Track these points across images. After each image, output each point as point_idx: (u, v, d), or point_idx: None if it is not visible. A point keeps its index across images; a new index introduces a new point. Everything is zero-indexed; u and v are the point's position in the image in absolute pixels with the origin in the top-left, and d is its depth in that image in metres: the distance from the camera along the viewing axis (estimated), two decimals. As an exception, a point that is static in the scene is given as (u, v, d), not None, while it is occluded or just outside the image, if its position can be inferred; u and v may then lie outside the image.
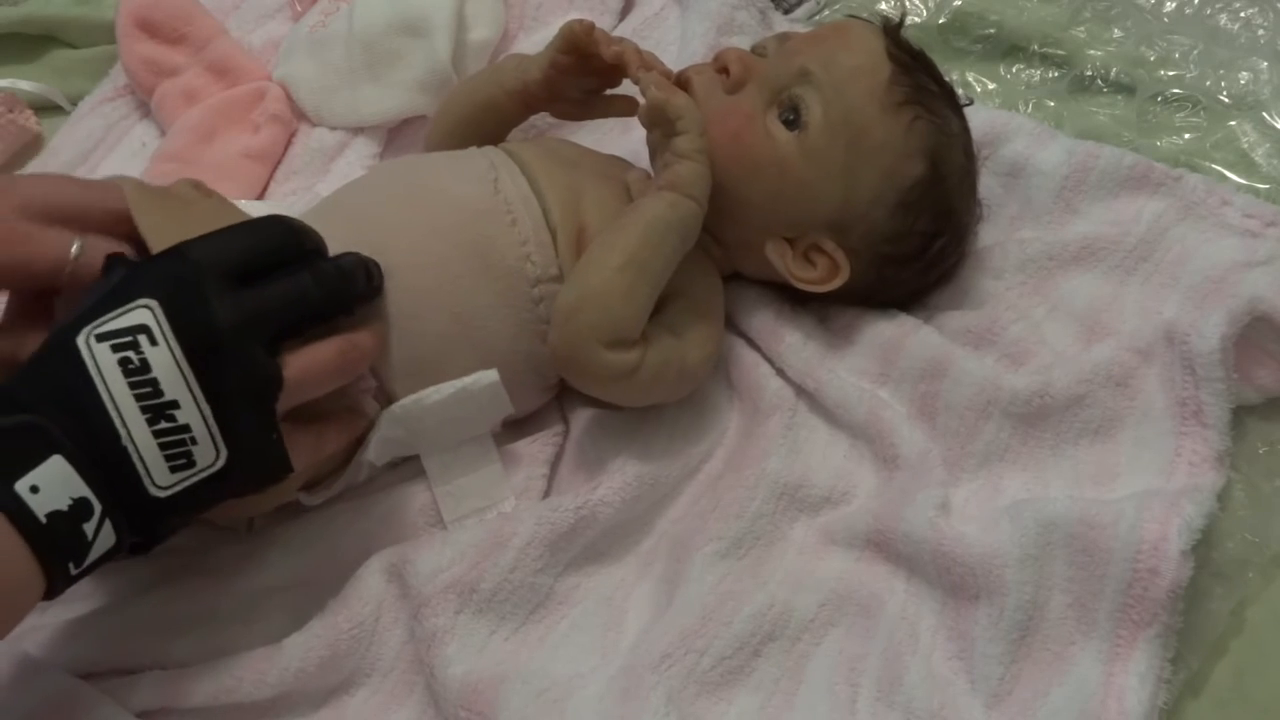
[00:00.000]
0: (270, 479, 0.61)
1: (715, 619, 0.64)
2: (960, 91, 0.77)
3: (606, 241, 0.68)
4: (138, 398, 0.55)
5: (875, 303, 0.76)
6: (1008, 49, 0.91)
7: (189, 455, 0.56)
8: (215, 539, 0.71)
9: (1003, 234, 0.80)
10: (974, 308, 0.77)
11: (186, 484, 0.57)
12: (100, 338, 0.55)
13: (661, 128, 0.69)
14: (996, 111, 0.84)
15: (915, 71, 0.72)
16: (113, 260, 0.60)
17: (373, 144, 0.92)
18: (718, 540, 0.67)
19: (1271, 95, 0.85)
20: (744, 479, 0.70)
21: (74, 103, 1.01)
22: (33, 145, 0.99)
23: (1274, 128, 0.84)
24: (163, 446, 0.56)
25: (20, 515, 0.52)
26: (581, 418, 0.74)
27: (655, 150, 0.71)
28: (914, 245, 0.73)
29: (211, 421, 0.57)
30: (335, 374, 0.63)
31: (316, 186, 0.90)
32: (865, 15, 0.87)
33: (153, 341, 0.56)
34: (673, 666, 0.63)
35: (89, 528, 0.54)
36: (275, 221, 0.63)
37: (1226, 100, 0.85)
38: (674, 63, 0.80)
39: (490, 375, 0.68)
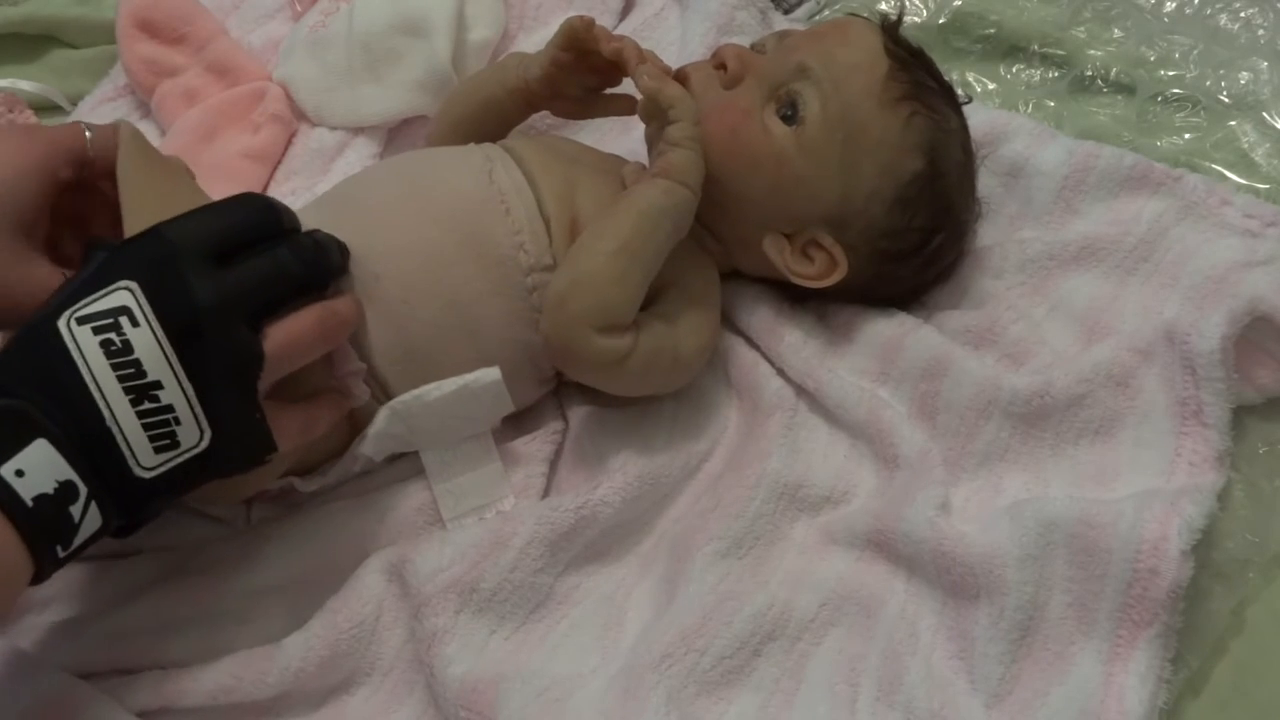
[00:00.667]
0: (254, 458, 0.61)
1: (715, 619, 0.64)
2: (959, 90, 0.77)
3: (599, 228, 0.68)
4: (120, 379, 0.55)
5: (874, 299, 0.76)
6: (1008, 49, 0.91)
7: (173, 436, 0.57)
8: (213, 536, 0.71)
9: (1003, 234, 0.80)
10: (974, 307, 0.77)
11: (171, 464, 0.57)
12: (81, 320, 0.56)
13: (656, 118, 0.70)
14: (996, 111, 0.84)
15: (913, 68, 0.72)
16: (92, 244, 0.60)
17: (373, 144, 0.92)
18: (718, 540, 0.67)
19: (1271, 95, 0.85)
20: (744, 479, 0.70)
21: (74, 103, 1.01)
22: (32, 145, 0.99)
23: (1274, 128, 0.84)
24: (146, 427, 0.56)
25: (7, 499, 0.52)
26: (581, 415, 0.74)
27: (652, 142, 0.72)
28: (912, 241, 0.73)
29: (195, 401, 0.57)
30: (316, 343, 0.63)
31: (316, 186, 0.90)
32: (865, 14, 0.87)
33: (134, 323, 0.56)
34: (673, 666, 0.63)
35: (75, 510, 0.54)
36: (252, 199, 0.64)
37: (1226, 100, 0.85)
38: (674, 62, 0.80)
39: (492, 373, 0.68)
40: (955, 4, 0.92)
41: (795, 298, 0.76)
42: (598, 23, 0.74)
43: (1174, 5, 0.91)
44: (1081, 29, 0.90)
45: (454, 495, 0.71)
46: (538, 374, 0.73)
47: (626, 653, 0.65)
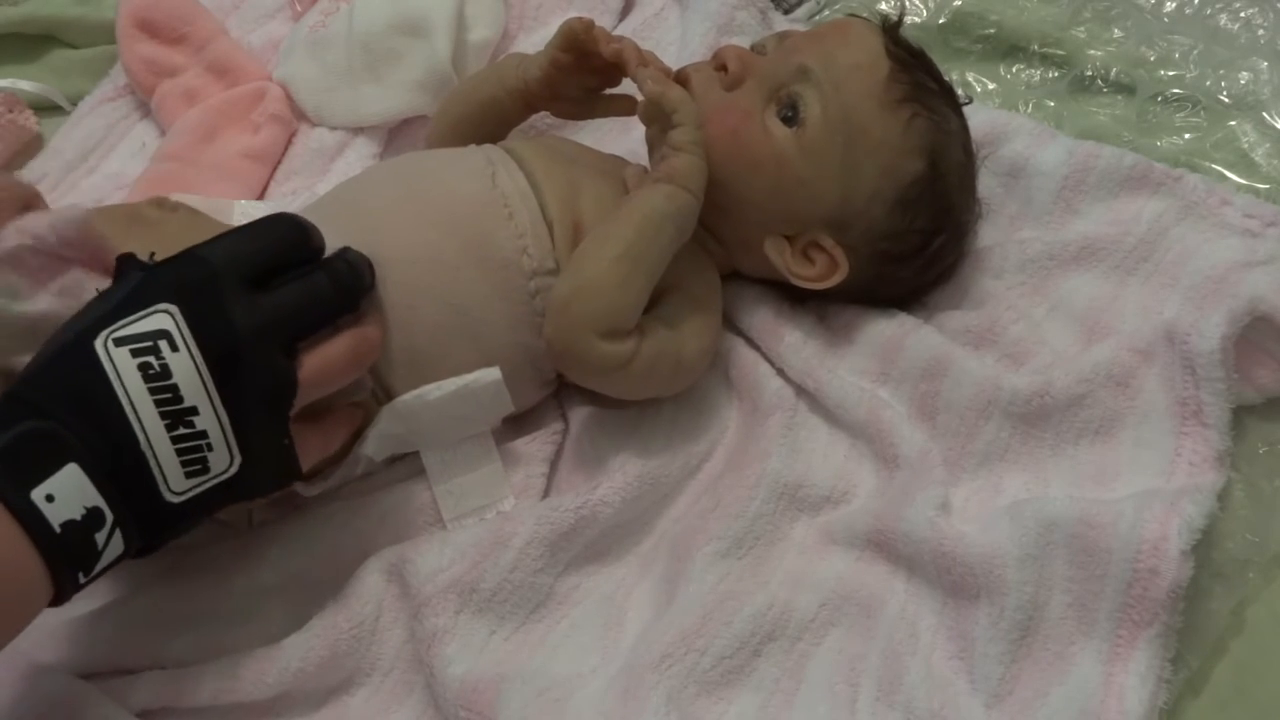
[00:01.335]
0: (279, 484, 0.61)
1: (715, 619, 0.64)
2: (959, 90, 0.77)
3: (602, 233, 0.68)
4: (158, 403, 0.55)
5: (874, 301, 0.76)
6: (1008, 49, 0.91)
7: (204, 461, 0.56)
8: (214, 536, 0.71)
9: (1003, 234, 0.80)
10: (974, 308, 0.77)
11: (200, 490, 0.57)
12: (119, 341, 0.55)
13: (658, 122, 0.70)
14: (996, 111, 0.84)
15: (914, 69, 0.72)
16: (125, 261, 0.59)
17: (373, 144, 0.92)
18: (718, 540, 0.67)
19: (1271, 95, 0.85)
20: (744, 479, 0.70)
21: (74, 103, 1.01)
22: (32, 145, 0.99)
23: (1274, 128, 0.84)
24: (180, 452, 0.55)
25: (35, 524, 0.52)
26: (581, 416, 0.74)
27: (653, 145, 0.71)
28: (913, 243, 0.73)
29: (228, 428, 0.56)
30: (348, 370, 0.63)
31: (316, 187, 0.90)
32: (865, 15, 0.87)
33: (173, 347, 0.55)
34: (673, 666, 0.63)
35: (100, 537, 0.54)
36: (283, 219, 0.63)
37: (1226, 100, 0.85)
38: (674, 63, 0.80)
39: (492, 373, 0.68)
40: (955, 4, 0.92)
41: (795, 298, 0.76)
42: (597, 23, 0.74)
43: (1174, 5, 0.91)
44: (1081, 29, 0.90)
45: (454, 496, 0.71)
46: (539, 376, 0.73)
47: (626, 653, 0.65)
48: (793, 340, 0.74)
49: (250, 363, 0.57)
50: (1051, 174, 0.79)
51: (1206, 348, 0.67)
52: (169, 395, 0.55)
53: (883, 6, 0.94)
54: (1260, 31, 0.88)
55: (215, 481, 0.57)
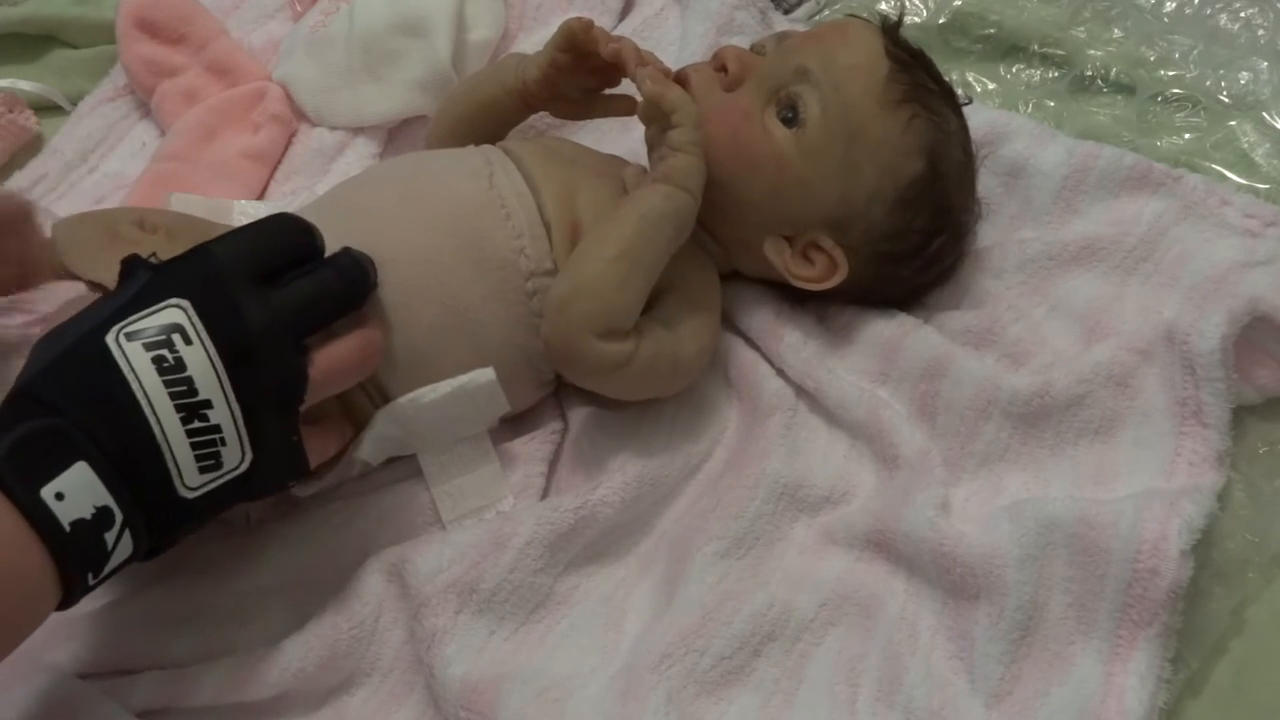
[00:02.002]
0: (286, 481, 0.61)
1: (715, 619, 0.64)
2: (959, 90, 0.77)
3: (601, 233, 0.68)
4: (172, 396, 0.54)
5: (874, 301, 0.76)
6: (1008, 49, 0.91)
7: (218, 456, 0.56)
8: (213, 536, 0.71)
9: (1003, 234, 0.80)
10: (974, 308, 0.77)
11: (214, 485, 0.56)
12: (131, 336, 0.55)
13: (658, 122, 0.70)
14: (996, 111, 0.84)
15: (913, 69, 0.72)
16: (132, 261, 0.59)
17: (373, 144, 0.92)
18: (718, 540, 0.67)
19: (1271, 95, 0.85)
20: (744, 479, 0.70)
21: (74, 103, 1.01)
22: (32, 145, 0.99)
23: (1274, 128, 0.84)
24: (194, 447, 0.55)
25: (45, 522, 0.51)
26: (580, 416, 0.74)
27: (652, 145, 0.71)
28: (912, 243, 0.73)
29: (241, 423, 0.56)
30: (357, 369, 0.63)
31: (316, 187, 0.90)
32: (865, 15, 0.87)
33: (187, 341, 0.55)
34: (673, 666, 0.63)
35: (110, 537, 0.53)
36: (286, 219, 0.63)
37: (1226, 100, 0.85)
38: (674, 63, 0.80)
39: (487, 374, 0.68)
40: (955, 4, 0.92)
41: (795, 298, 0.76)
42: (597, 23, 0.74)
43: (1174, 5, 0.91)
44: (1081, 29, 0.90)
45: (453, 497, 0.71)
46: (537, 377, 0.73)
47: (626, 653, 0.66)
48: (792, 340, 0.74)
49: (263, 358, 0.57)
50: (1051, 174, 0.79)
51: (1206, 348, 0.67)
52: (184, 389, 0.54)
53: (882, 6, 0.94)
54: (1260, 31, 0.88)
55: (228, 478, 0.57)
